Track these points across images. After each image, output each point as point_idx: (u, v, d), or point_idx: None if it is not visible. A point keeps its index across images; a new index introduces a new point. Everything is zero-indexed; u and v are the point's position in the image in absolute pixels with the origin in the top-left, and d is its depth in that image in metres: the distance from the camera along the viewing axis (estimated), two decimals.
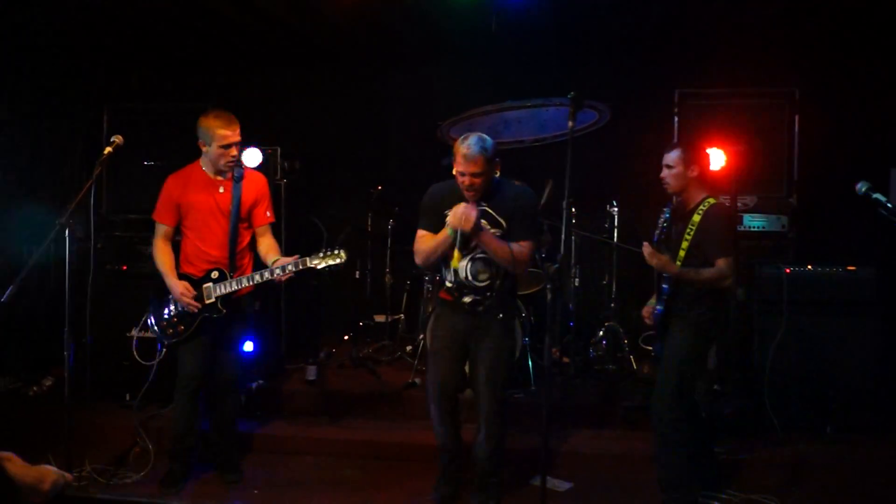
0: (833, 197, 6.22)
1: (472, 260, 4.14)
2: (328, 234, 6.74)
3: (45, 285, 6.54)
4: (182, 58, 7.68)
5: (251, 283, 4.57)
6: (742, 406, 5.39)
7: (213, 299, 4.58)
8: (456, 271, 4.17)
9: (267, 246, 4.74)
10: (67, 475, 2.55)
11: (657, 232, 4.40)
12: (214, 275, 4.60)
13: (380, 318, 7.34)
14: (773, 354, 5.29)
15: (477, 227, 3.99)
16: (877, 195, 4.12)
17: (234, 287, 4.58)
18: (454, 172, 4.13)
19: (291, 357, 6.70)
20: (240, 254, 4.72)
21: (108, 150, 4.27)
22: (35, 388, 6.15)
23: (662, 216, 4.47)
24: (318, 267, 4.38)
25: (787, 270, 5.40)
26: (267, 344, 6.51)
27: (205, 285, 4.60)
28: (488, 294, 4.20)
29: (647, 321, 4.51)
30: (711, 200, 4.39)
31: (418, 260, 4.27)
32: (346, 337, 7.27)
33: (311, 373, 6.14)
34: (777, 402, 5.28)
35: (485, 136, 4.10)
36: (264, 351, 6.47)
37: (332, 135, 7.93)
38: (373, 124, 7.89)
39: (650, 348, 4.70)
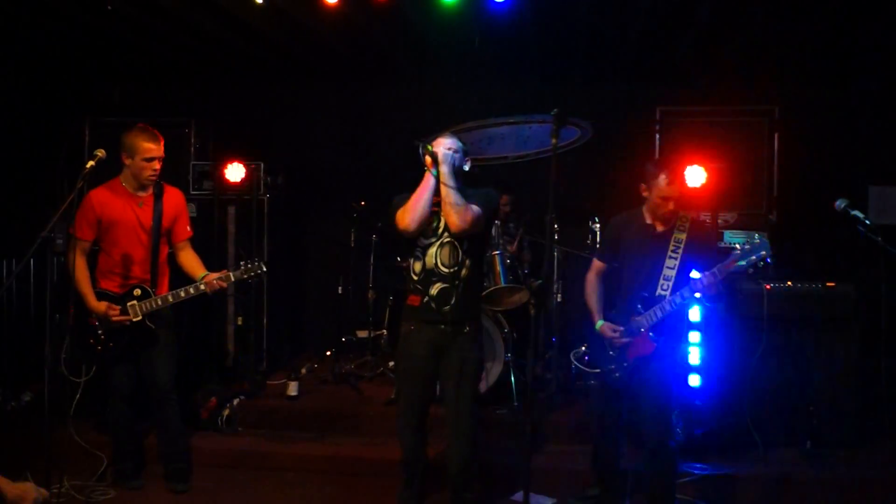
0: (812, 214, 6.29)
1: (441, 245, 4.26)
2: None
3: (25, 299, 6.49)
4: (165, 72, 7.67)
5: (176, 300, 4.68)
6: (723, 422, 5.41)
7: (139, 317, 4.67)
8: (425, 259, 4.27)
9: (190, 260, 4.90)
10: (44, 491, 2.54)
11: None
12: (137, 292, 4.69)
13: (362, 334, 7.31)
14: (753, 370, 5.32)
15: (449, 158, 4.18)
16: (855, 212, 4.17)
17: (160, 304, 4.68)
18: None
19: (273, 372, 6.67)
20: (160, 268, 4.83)
21: (90, 163, 4.24)
22: (13, 404, 6.09)
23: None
24: (243, 278, 4.66)
25: (767, 287, 5.43)
26: (248, 359, 6.49)
27: (129, 304, 4.66)
28: (455, 283, 4.23)
29: (618, 339, 4.44)
30: (687, 216, 4.41)
31: (405, 220, 4.22)
32: (328, 353, 7.24)
33: (293, 388, 6.12)
34: (758, 418, 5.32)
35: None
36: (246, 367, 6.45)
37: (315, 150, 7.94)
38: (356, 140, 7.90)
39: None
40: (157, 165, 4.70)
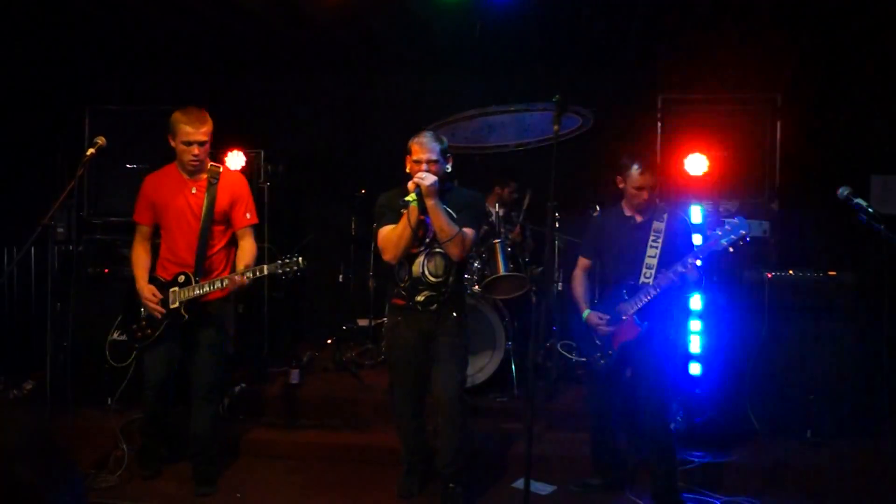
0: (814, 202, 6.27)
1: (429, 255, 4.30)
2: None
3: (26, 287, 6.50)
4: (165, 60, 7.64)
5: (212, 289, 4.46)
6: (724, 410, 5.42)
7: (176, 304, 4.51)
8: (411, 268, 4.31)
9: (242, 250, 4.64)
10: None
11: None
12: (181, 279, 4.52)
13: (363, 322, 7.32)
14: (754, 358, 5.33)
15: (433, 189, 4.10)
16: (858, 200, 4.16)
17: (197, 293, 4.47)
18: (411, 165, 4.29)
19: (274, 361, 6.67)
20: (212, 257, 4.62)
21: (90, 151, 4.22)
22: (15, 392, 6.09)
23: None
24: (277, 272, 4.32)
25: (769, 275, 5.44)
26: (250, 347, 6.50)
27: (171, 289, 4.52)
28: (441, 290, 4.30)
29: (605, 328, 4.47)
30: (665, 207, 4.49)
31: (387, 254, 4.29)
32: (329, 341, 7.25)
33: (294, 376, 6.12)
34: (758, 406, 5.32)
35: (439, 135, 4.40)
36: (247, 354, 6.46)
37: (316, 138, 7.93)
38: (357, 128, 7.88)
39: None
40: (196, 150, 4.45)
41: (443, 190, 4.27)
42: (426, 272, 4.29)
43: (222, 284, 4.45)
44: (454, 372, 4.34)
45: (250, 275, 4.39)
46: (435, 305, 4.32)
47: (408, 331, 4.38)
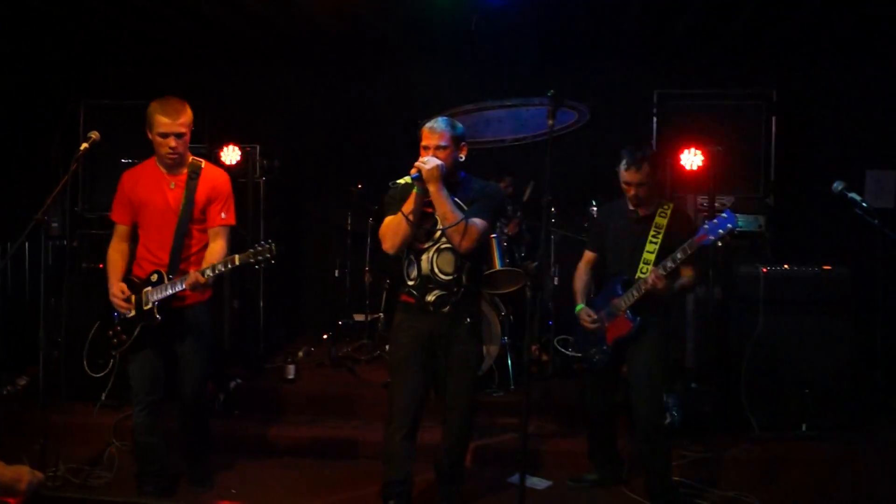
0: (809, 197, 6.29)
1: (438, 251, 4.03)
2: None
3: (19, 282, 6.48)
4: (160, 55, 7.62)
5: (184, 285, 4.16)
6: (719, 404, 5.42)
7: (149, 305, 4.22)
8: (420, 265, 4.05)
9: (210, 251, 4.35)
10: (39, 474, 2.54)
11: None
12: (154, 278, 4.24)
13: (359, 317, 7.32)
14: (749, 353, 5.33)
15: (436, 173, 3.84)
16: (852, 195, 4.17)
17: (169, 291, 4.19)
18: (421, 152, 4.04)
19: (270, 356, 6.68)
20: (190, 259, 4.35)
21: (84, 146, 4.13)
22: (9, 388, 6.08)
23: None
24: (249, 261, 4.07)
25: (764, 270, 5.43)
26: (245, 343, 6.49)
27: (145, 290, 4.25)
28: (454, 290, 4.03)
29: (590, 325, 4.45)
30: (669, 203, 4.43)
31: (386, 244, 4.04)
32: (325, 336, 7.25)
33: (290, 372, 6.13)
34: (754, 401, 5.32)
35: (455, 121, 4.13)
36: (243, 350, 6.45)
37: (311, 133, 7.90)
38: (353, 123, 7.86)
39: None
40: (172, 143, 4.19)
41: (455, 181, 4.06)
42: (436, 269, 4.00)
43: (182, 286, 4.19)
44: (469, 382, 4.14)
45: (210, 272, 4.13)
46: (448, 307, 4.02)
47: (415, 331, 4.09)
